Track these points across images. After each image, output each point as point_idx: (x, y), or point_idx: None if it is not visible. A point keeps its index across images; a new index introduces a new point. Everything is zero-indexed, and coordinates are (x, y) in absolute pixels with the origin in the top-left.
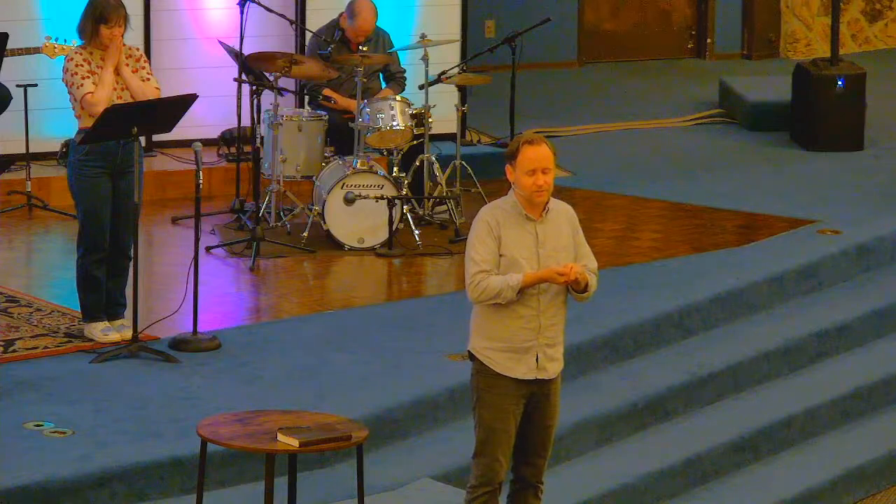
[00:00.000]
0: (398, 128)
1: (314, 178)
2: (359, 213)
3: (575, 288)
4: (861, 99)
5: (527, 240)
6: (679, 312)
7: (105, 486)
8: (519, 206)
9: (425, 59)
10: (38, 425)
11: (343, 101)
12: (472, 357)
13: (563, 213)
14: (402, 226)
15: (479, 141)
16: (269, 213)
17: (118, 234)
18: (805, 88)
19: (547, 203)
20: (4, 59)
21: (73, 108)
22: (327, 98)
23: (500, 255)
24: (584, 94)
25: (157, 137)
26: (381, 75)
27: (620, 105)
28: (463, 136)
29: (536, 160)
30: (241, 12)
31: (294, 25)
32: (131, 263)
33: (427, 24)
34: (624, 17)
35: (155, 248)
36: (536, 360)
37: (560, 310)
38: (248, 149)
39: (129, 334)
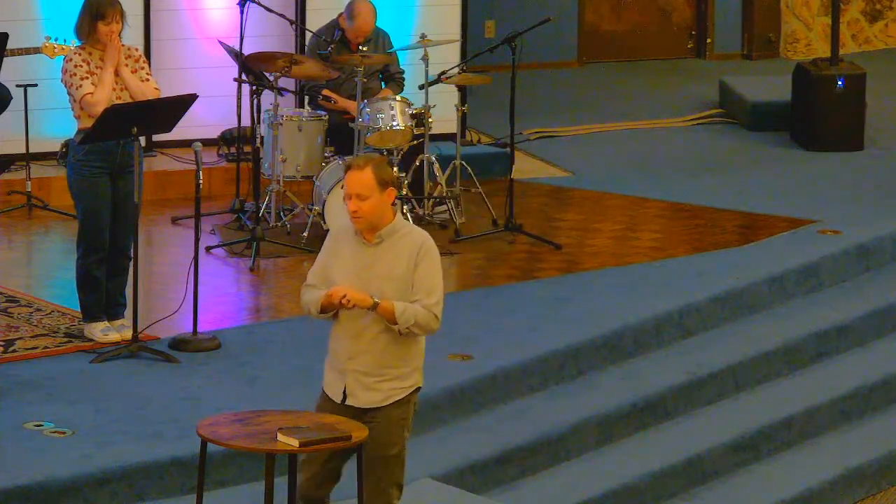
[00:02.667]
0: (398, 128)
1: (314, 178)
2: None
3: (388, 319)
4: (861, 99)
5: (353, 261)
6: (679, 312)
7: (105, 486)
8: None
9: (425, 59)
10: (38, 425)
11: (342, 102)
12: None
13: (408, 244)
14: None
15: (479, 141)
16: (269, 213)
17: (118, 234)
18: (805, 88)
19: (382, 230)
20: (4, 59)
21: (73, 109)
22: (327, 98)
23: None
24: (584, 94)
25: (157, 137)
26: (380, 76)
27: (620, 105)
28: (463, 136)
29: (350, 186)
30: (241, 12)
31: (294, 25)
32: (131, 263)
33: (427, 24)
34: (624, 17)
35: (155, 248)
36: (345, 385)
37: (377, 340)
38: (248, 149)
39: (129, 334)
